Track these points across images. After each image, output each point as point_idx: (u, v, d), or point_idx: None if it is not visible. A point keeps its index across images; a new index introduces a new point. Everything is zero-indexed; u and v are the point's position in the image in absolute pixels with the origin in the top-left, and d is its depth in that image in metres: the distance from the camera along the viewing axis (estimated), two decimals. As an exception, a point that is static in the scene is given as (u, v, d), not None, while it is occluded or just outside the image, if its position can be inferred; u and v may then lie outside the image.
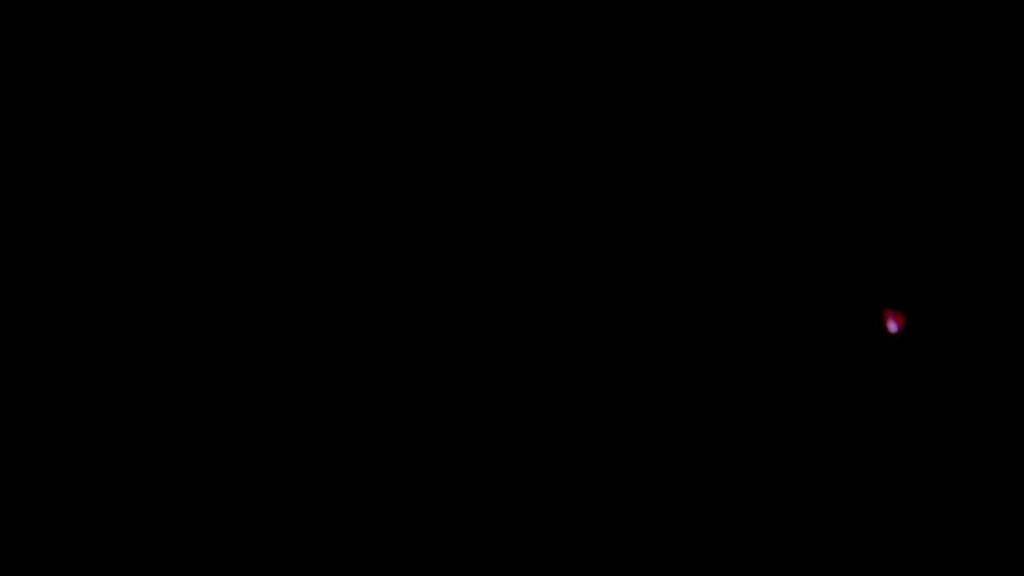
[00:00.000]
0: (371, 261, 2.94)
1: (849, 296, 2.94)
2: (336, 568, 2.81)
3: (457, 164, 2.97)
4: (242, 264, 2.92)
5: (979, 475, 2.84)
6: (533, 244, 2.95)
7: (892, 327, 2.90)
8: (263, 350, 2.89)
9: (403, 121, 2.98)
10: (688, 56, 2.98)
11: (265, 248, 2.93)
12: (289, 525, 2.82)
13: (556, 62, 2.98)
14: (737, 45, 2.97)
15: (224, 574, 2.79)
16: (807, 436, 2.88)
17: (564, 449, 2.88)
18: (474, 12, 2.97)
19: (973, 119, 2.96)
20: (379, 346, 2.91)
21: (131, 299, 2.89)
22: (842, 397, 2.89)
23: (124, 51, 2.95)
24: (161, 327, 2.88)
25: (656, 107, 2.98)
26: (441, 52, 2.98)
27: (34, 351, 2.86)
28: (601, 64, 2.98)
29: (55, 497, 2.80)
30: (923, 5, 2.96)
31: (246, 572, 2.79)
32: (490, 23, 2.98)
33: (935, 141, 2.96)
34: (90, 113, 2.93)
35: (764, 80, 2.97)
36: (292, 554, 2.81)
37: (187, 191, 2.93)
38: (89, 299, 2.88)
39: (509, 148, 2.97)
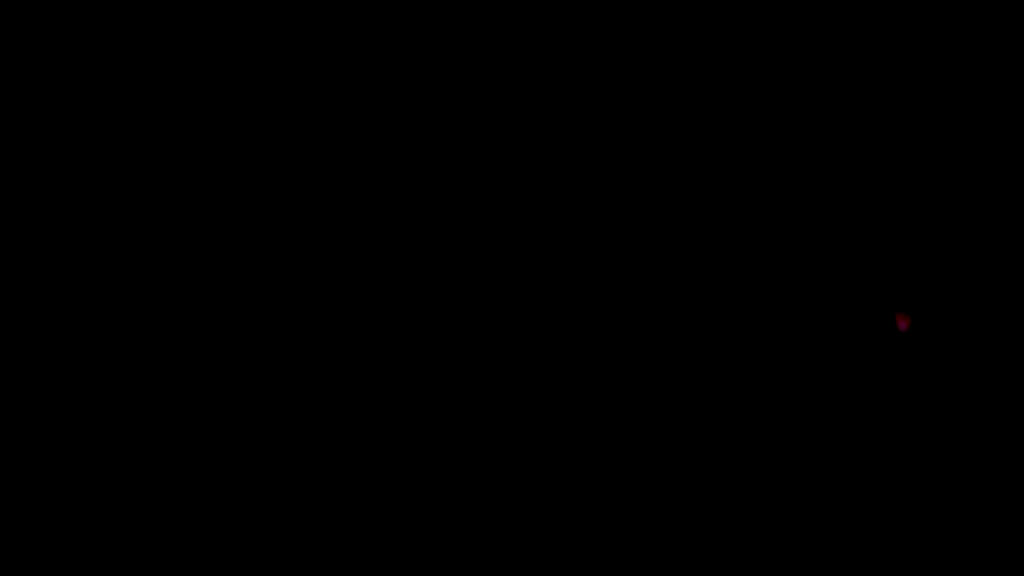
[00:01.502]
0: (371, 261, 2.94)
1: (853, 296, 2.94)
2: (336, 568, 2.81)
3: (457, 164, 2.98)
4: (242, 264, 2.92)
5: (981, 475, 2.85)
6: (534, 244, 2.96)
7: (899, 327, 2.91)
8: (263, 350, 2.90)
9: (403, 121, 2.99)
10: (691, 56, 2.99)
11: (265, 248, 2.93)
12: (289, 525, 2.82)
13: (556, 62, 2.99)
14: (739, 45, 2.99)
15: (224, 574, 2.79)
16: (811, 435, 2.88)
17: (566, 449, 2.89)
18: (474, 12, 2.99)
19: (977, 120, 2.97)
20: (379, 346, 2.91)
21: (131, 299, 2.90)
22: (846, 396, 2.90)
23: (124, 51, 2.96)
24: (160, 326, 2.89)
25: (660, 107, 2.99)
26: (441, 52, 2.99)
27: (34, 351, 2.86)
28: (601, 64, 2.99)
29: (55, 497, 2.81)
30: (923, 5, 2.97)
31: (246, 572, 2.79)
32: (490, 23, 2.99)
33: (939, 143, 2.97)
34: (90, 113, 2.94)
35: (771, 81, 2.98)
36: (292, 554, 2.81)
37: (186, 190, 2.94)
38: (89, 299, 2.89)
39: (509, 148, 2.98)
